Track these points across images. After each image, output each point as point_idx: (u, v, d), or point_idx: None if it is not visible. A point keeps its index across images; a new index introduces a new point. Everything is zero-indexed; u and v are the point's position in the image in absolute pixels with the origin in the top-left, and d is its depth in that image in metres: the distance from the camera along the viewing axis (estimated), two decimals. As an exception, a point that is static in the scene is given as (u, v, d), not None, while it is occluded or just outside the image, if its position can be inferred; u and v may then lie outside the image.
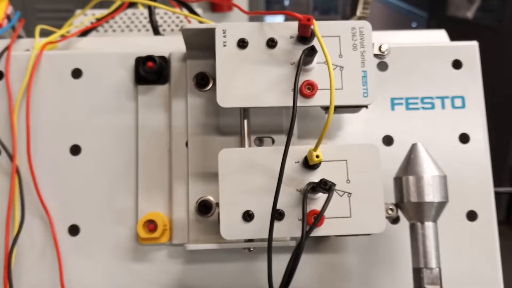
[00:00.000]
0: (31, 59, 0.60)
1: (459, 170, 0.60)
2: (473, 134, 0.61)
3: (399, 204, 0.52)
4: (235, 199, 0.49)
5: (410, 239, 0.51)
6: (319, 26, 0.49)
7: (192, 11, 0.76)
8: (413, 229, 0.51)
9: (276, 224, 0.48)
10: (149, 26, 0.76)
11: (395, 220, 0.59)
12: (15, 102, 0.59)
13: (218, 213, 0.49)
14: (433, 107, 0.61)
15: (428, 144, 0.54)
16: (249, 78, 0.51)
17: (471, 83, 0.62)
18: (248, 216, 0.48)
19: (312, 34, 0.50)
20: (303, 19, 0.49)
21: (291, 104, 0.48)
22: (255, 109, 0.56)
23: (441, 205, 0.50)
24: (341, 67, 0.51)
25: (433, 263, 0.49)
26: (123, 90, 0.60)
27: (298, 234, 0.47)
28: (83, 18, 0.79)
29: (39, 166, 0.58)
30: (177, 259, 0.58)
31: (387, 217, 0.51)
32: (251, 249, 0.55)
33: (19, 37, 0.67)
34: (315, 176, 0.49)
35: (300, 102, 0.50)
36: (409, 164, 0.51)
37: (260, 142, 0.58)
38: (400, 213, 0.52)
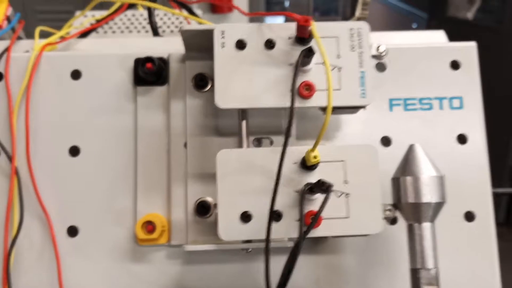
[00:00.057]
0: (31, 60, 0.60)
1: (457, 170, 0.60)
2: (471, 135, 0.61)
3: (396, 205, 0.52)
4: (233, 200, 0.49)
5: (407, 239, 0.51)
6: (317, 27, 0.50)
7: (191, 13, 0.76)
8: (410, 229, 0.51)
9: (274, 225, 0.48)
10: (148, 27, 0.76)
11: (393, 221, 0.59)
12: (15, 103, 0.59)
13: (217, 214, 0.49)
14: (431, 107, 0.61)
15: (426, 144, 0.54)
16: (248, 79, 0.51)
17: (469, 83, 0.62)
18: (246, 217, 0.49)
19: (310, 35, 0.50)
20: (301, 20, 0.49)
21: (289, 104, 0.48)
22: (253, 110, 0.56)
23: (439, 206, 0.50)
24: (339, 67, 0.51)
25: (430, 264, 0.49)
26: (122, 91, 0.60)
27: (295, 234, 0.47)
28: (83, 19, 0.79)
29: (38, 167, 0.58)
30: (176, 260, 0.58)
31: (384, 218, 0.51)
32: (249, 250, 0.55)
33: (19, 38, 0.67)
34: (313, 177, 0.49)
35: (298, 103, 0.50)
36: (407, 164, 0.51)
37: (258, 143, 0.58)
38: (397, 214, 0.52)
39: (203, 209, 0.56)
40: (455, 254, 0.59)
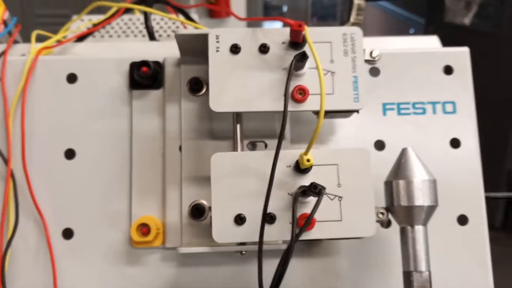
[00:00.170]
0: (27, 64, 0.60)
1: (450, 174, 0.60)
2: (464, 139, 0.61)
3: (389, 208, 0.52)
4: (227, 202, 0.49)
5: (400, 242, 0.52)
6: (311, 32, 0.50)
7: (188, 17, 0.76)
8: (403, 232, 0.51)
9: (268, 227, 0.48)
10: (145, 31, 0.77)
11: (387, 224, 0.59)
12: (11, 106, 0.59)
13: (211, 217, 0.50)
14: (424, 112, 0.62)
15: (419, 149, 0.55)
16: (242, 83, 0.51)
17: (462, 88, 0.62)
18: (240, 220, 0.49)
19: (304, 40, 0.51)
20: (295, 25, 0.49)
21: (282, 108, 0.49)
22: (248, 114, 0.56)
23: (431, 209, 0.51)
24: (332, 72, 0.52)
25: (423, 267, 0.50)
26: (118, 94, 0.61)
27: (289, 237, 0.47)
28: (79, 23, 0.80)
29: (34, 170, 0.59)
30: (170, 263, 0.58)
31: (377, 221, 0.52)
32: (243, 252, 0.55)
33: (16, 42, 0.68)
34: (307, 180, 0.49)
35: (292, 107, 0.51)
36: (400, 168, 0.52)
37: (253, 146, 0.59)
38: (390, 217, 0.53)
39: (198, 212, 0.56)
40: (448, 258, 0.59)
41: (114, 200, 0.59)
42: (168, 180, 0.58)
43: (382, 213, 0.52)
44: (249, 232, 0.49)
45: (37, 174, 0.59)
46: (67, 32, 0.72)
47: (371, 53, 0.55)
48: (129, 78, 0.61)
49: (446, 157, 0.61)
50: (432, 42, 0.69)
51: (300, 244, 0.58)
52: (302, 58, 0.49)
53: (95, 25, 0.73)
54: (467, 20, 2.67)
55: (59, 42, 0.67)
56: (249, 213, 0.49)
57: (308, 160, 0.48)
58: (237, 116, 0.56)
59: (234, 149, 0.56)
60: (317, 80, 0.47)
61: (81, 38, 0.70)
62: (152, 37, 0.75)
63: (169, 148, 0.59)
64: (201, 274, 0.58)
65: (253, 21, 1.41)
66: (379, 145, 0.61)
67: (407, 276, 0.50)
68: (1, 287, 0.55)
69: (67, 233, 0.58)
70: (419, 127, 0.62)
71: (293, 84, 0.51)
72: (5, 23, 0.68)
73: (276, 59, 0.52)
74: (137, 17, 0.87)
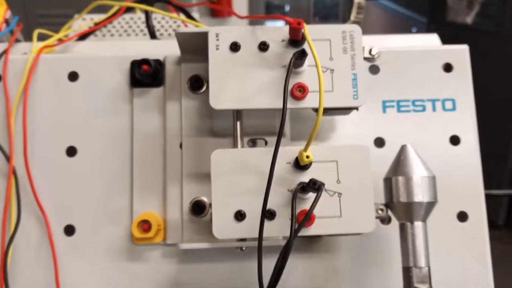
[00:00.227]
0: (28, 62, 0.61)
1: (450, 171, 0.61)
2: (463, 136, 0.62)
3: (389, 204, 0.52)
4: (227, 199, 0.49)
5: (400, 238, 0.52)
6: (310, 30, 0.50)
7: (189, 16, 0.77)
8: (402, 228, 0.52)
9: (268, 223, 0.48)
10: (146, 30, 0.77)
11: (388, 221, 0.59)
12: (13, 104, 0.60)
13: (211, 213, 0.50)
14: (424, 109, 0.62)
15: (419, 146, 0.55)
16: (242, 80, 0.51)
17: (461, 86, 0.63)
18: (240, 216, 0.49)
19: (303, 38, 0.51)
20: (294, 23, 0.49)
21: (282, 106, 0.49)
22: (248, 111, 0.57)
23: (430, 205, 0.51)
24: (332, 69, 0.52)
25: (422, 262, 0.50)
26: (119, 93, 0.61)
27: (288, 233, 0.48)
28: (81, 22, 0.80)
29: (36, 167, 0.59)
30: (171, 259, 0.58)
31: (377, 217, 0.52)
32: (243, 248, 0.56)
33: (17, 41, 0.68)
34: (306, 177, 0.49)
35: (291, 104, 0.51)
36: (399, 165, 0.52)
37: (253, 143, 0.59)
38: (390, 213, 0.53)
39: (198, 208, 0.56)
40: (448, 254, 0.59)
41: (115, 197, 0.59)
42: (169, 177, 0.58)
43: (381, 209, 0.52)
44: (249, 228, 0.49)
45: (39, 171, 0.59)
46: (68, 31, 0.73)
47: (370, 50, 0.55)
48: (130, 76, 0.61)
49: (446, 154, 0.61)
50: (432, 40, 0.69)
51: (300, 240, 0.58)
52: (301, 56, 0.50)
53: (96, 24, 0.73)
54: (469, 19, 2.67)
55: (60, 40, 0.68)
56: (249, 210, 0.49)
57: (307, 157, 0.48)
58: (237, 114, 0.56)
59: (234, 146, 0.56)
60: (317, 77, 0.48)
61: (82, 37, 0.71)
62: (153, 36, 0.76)
63: (170, 145, 0.59)
64: (202, 270, 0.58)
65: (254, 19, 1.41)
66: (379, 142, 0.62)
67: (407, 272, 0.50)
68: (3, 283, 0.55)
69: (69, 230, 0.59)
70: (418, 125, 0.62)
71: (292, 82, 0.51)
72: (7, 22, 0.68)
73: (276, 57, 0.52)
74: (138, 16, 0.87)
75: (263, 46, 0.52)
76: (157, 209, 0.58)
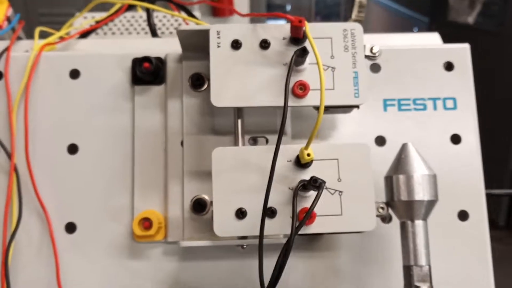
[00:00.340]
0: (30, 60, 0.61)
1: (450, 170, 0.61)
2: (464, 135, 0.62)
3: (389, 203, 0.52)
4: (228, 197, 0.50)
5: (400, 237, 0.52)
6: (311, 28, 0.50)
7: (190, 14, 0.77)
8: (403, 227, 0.52)
9: (268, 221, 0.49)
10: (147, 29, 0.77)
11: (389, 220, 0.59)
12: (14, 102, 0.60)
13: (212, 211, 0.50)
14: (425, 108, 0.62)
15: (420, 144, 0.55)
16: (243, 78, 0.52)
17: (462, 84, 0.63)
18: (241, 214, 0.49)
19: (304, 36, 0.51)
20: (295, 21, 0.50)
21: (283, 104, 0.49)
22: (249, 109, 0.57)
23: (431, 204, 0.51)
24: (333, 68, 0.52)
25: (423, 261, 0.50)
26: (120, 90, 0.61)
27: (289, 231, 0.48)
28: (82, 20, 0.80)
29: (37, 165, 0.59)
30: (172, 257, 0.58)
31: (377, 215, 0.52)
32: (244, 246, 0.56)
33: (19, 38, 0.68)
34: (307, 175, 0.50)
35: (292, 102, 0.51)
36: (400, 163, 0.52)
37: (254, 141, 0.59)
38: (391, 212, 0.53)
39: (200, 206, 0.57)
40: (449, 253, 0.59)
41: (116, 194, 0.59)
42: (170, 175, 0.58)
43: (382, 208, 0.52)
44: (250, 226, 0.49)
45: (40, 168, 0.59)
46: (70, 29, 0.73)
47: (371, 49, 0.55)
48: (131, 74, 0.61)
49: (447, 153, 0.61)
50: (433, 38, 0.69)
51: (300, 239, 0.58)
52: (302, 53, 0.50)
53: (98, 22, 0.73)
54: (470, 19, 2.67)
55: (62, 38, 0.68)
56: (250, 207, 0.49)
57: (308, 155, 0.49)
58: (238, 111, 0.56)
59: (235, 144, 0.56)
60: (318, 76, 0.48)
61: (84, 35, 0.71)
62: (154, 34, 0.76)
63: (171, 143, 0.59)
64: (203, 268, 0.58)
65: (255, 18, 1.41)
66: (380, 140, 0.62)
67: (407, 270, 0.50)
68: (4, 280, 0.56)
69: (70, 227, 0.59)
70: (419, 123, 0.62)
71: (293, 80, 0.51)
72: (8, 19, 0.68)
73: (277, 55, 0.52)
74: (140, 15, 0.87)
75: (264, 44, 0.52)
76: (158, 206, 0.58)
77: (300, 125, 0.60)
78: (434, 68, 0.63)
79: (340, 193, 0.50)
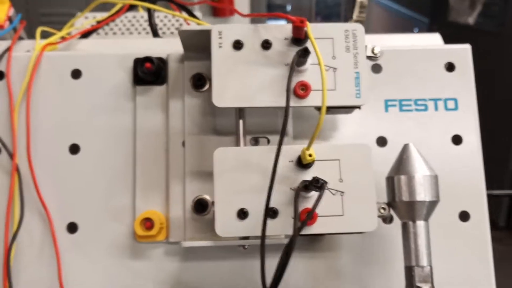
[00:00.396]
0: (32, 60, 0.61)
1: (452, 171, 0.61)
2: (465, 136, 0.62)
3: (391, 203, 0.52)
4: (230, 197, 0.50)
5: (402, 237, 0.52)
6: (313, 28, 0.50)
7: (191, 14, 0.77)
8: (405, 227, 0.52)
9: (270, 222, 0.49)
10: (149, 29, 0.77)
11: (390, 220, 0.59)
12: (16, 102, 0.60)
13: (214, 211, 0.50)
14: (426, 109, 0.62)
15: (421, 145, 0.55)
16: (244, 78, 0.52)
17: (464, 85, 0.63)
18: (242, 214, 0.49)
19: (306, 36, 0.51)
20: (297, 21, 0.50)
21: (285, 104, 0.49)
22: (250, 110, 0.57)
23: (432, 204, 0.51)
24: (334, 68, 0.52)
25: (424, 261, 0.50)
26: (122, 90, 0.61)
27: (291, 231, 0.48)
28: (83, 20, 0.80)
29: (39, 165, 0.59)
30: (174, 257, 0.59)
31: (379, 216, 0.52)
32: (246, 246, 0.56)
33: (20, 38, 0.68)
34: (309, 175, 0.50)
35: (294, 103, 0.51)
36: (401, 164, 0.52)
37: (255, 142, 0.59)
38: (392, 212, 0.53)
39: (201, 206, 0.57)
40: (450, 254, 0.59)
41: (118, 194, 0.59)
42: (172, 175, 0.58)
43: (383, 208, 0.52)
44: (251, 226, 0.49)
45: (42, 168, 0.59)
46: (71, 29, 0.73)
47: (373, 49, 0.55)
48: (133, 74, 0.61)
49: (448, 154, 0.61)
50: (434, 39, 0.69)
51: (302, 239, 0.58)
52: (304, 54, 0.50)
53: (99, 22, 0.73)
54: (471, 20, 2.67)
55: (63, 38, 0.68)
56: (251, 208, 0.49)
57: (310, 155, 0.49)
58: (240, 112, 0.56)
59: (237, 144, 0.56)
60: (319, 76, 0.48)
61: (85, 35, 0.71)
62: (155, 34, 0.76)
63: (173, 143, 0.59)
64: (204, 268, 0.58)
65: (256, 18, 1.41)
66: (381, 141, 0.62)
67: (409, 271, 0.50)
68: (6, 280, 0.56)
69: (72, 227, 0.59)
70: (421, 124, 0.62)
71: (295, 80, 0.51)
72: (10, 19, 0.68)
73: (279, 55, 0.52)
74: (141, 15, 0.87)
75: (266, 44, 0.52)
76: (159, 207, 0.59)
77: (302, 126, 0.60)
78: (435, 68, 0.63)
79: (342, 194, 0.50)
